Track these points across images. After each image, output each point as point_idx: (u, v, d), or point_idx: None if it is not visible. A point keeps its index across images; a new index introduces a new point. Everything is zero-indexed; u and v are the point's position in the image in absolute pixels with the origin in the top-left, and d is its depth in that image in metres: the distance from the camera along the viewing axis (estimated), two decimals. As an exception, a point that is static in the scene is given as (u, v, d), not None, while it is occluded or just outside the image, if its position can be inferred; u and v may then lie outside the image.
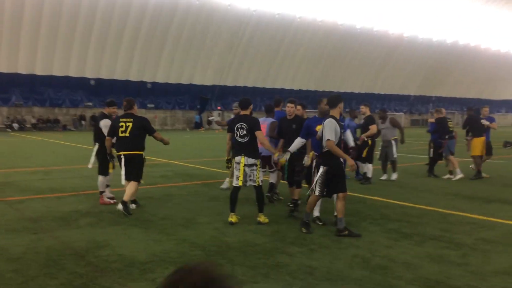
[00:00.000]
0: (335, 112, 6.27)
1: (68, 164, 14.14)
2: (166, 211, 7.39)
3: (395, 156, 11.09)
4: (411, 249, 5.44)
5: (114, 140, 7.46)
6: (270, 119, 8.13)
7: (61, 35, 37.15)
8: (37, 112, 39.31)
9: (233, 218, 6.58)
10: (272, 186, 8.37)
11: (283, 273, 4.62)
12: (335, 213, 6.38)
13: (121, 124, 7.24)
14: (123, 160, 7.18)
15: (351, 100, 56.42)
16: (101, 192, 8.00)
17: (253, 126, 6.54)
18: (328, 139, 5.95)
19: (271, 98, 43.15)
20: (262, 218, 6.66)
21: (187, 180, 10.72)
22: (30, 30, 35.84)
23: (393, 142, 11.11)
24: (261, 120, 7.44)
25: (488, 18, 59.33)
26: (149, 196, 8.59)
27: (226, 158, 8.88)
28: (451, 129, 11.68)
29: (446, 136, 11.46)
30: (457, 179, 11.18)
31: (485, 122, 11.54)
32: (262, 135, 6.68)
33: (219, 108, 48.24)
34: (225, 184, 9.34)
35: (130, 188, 7.15)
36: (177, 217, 6.97)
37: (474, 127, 11.58)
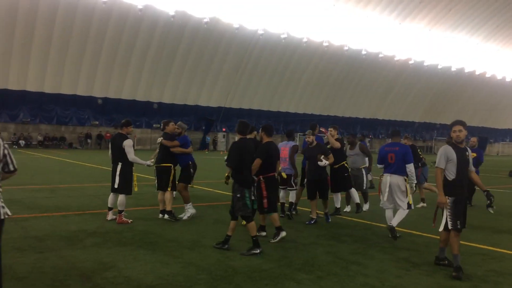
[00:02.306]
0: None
1: (73, 182, 14.14)
2: (172, 233, 7.35)
3: (365, 187, 10.29)
4: (422, 279, 5.35)
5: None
6: (292, 143, 9.12)
7: (70, 54, 37.72)
8: (44, 130, 39.60)
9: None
10: (291, 205, 9.24)
11: (291, 300, 4.54)
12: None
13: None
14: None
15: (356, 125, 56.68)
16: (120, 211, 8.01)
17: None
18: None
19: (276, 121, 43.44)
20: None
21: (192, 202, 10.67)
22: (40, 49, 36.41)
23: (363, 171, 10.26)
24: (283, 144, 9.12)
25: (493, 47, 59.87)
26: (155, 217, 8.55)
27: (226, 174, 8.82)
28: (420, 156, 11.55)
29: (419, 164, 11.22)
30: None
31: None
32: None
33: (224, 130, 48.45)
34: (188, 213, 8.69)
35: (167, 198, 8.45)
36: (183, 239, 6.92)
37: None
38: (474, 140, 11.65)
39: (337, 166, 9.42)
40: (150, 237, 6.98)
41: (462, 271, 5.44)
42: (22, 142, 37.76)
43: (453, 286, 5.13)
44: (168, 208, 8.46)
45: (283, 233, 6.96)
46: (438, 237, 7.64)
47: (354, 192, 9.86)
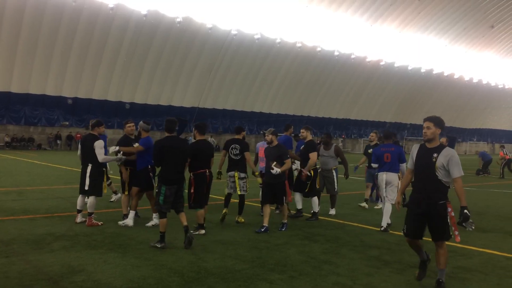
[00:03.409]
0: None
1: (42, 184, 13.77)
2: (143, 234, 7.24)
3: (336, 189, 9.61)
4: (392, 277, 5.44)
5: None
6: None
7: (39, 52, 36.72)
8: (11, 130, 38.46)
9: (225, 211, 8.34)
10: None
11: (264, 301, 4.54)
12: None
13: None
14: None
15: (329, 125, 57.29)
16: (90, 214, 7.83)
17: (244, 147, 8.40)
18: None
19: (250, 122, 43.33)
20: (240, 219, 8.44)
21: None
22: (7, 47, 35.34)
23: (334, 172, 9.58)
24: (260, 143, 9.34)
25: (461, 49, 61.51)
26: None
27: (218, 170, 8.84)
28: None
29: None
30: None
31: None
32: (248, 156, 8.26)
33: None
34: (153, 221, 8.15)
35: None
36: (155, 241, 6.82)
37: None
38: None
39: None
40: (120, 240, 6.85)
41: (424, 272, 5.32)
42: (-12, 143, 36.58)
43: (422, 284, 5.23)
44: (124, 211, 8.22)
45: (202, 231, 7.42)
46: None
47: (314, 200, 9.15)
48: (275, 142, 7.92)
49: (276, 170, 7.58)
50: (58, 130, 40.44)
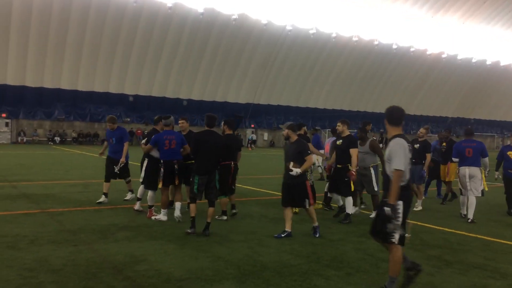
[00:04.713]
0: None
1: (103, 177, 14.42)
2: (201, 227, 7.41)
3: (376, 189, 8.76)
4: (455, 278, 5.23)
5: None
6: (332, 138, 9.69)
7: (102, 52, 38.56)
8: (78, 127, 40.70)
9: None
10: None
11: (320, 296, 4.52)
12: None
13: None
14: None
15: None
16: (150, 206, 8.18)
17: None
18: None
19: (304, 117, 42.96)
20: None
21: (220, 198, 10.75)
22: (73, 49, 37.41)
23: (372, 170, 8.83)
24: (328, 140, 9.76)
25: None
26: (184, 212, 8.64)
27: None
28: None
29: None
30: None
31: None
32: None
33: (252, 126, 48.52)
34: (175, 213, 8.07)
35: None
36: (212, 233, 6.98)
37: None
38: (422, 131, 10.60)
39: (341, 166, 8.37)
40: (180, 232, 7.06)
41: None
42: (57, 138, 38.90)
43: (488, 285, 4.99)
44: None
45: (224, 217, 8.09)
46: (473, 235, 7.48)
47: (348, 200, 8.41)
48: (294, 138, 7.01)
49: (295, 171, 6.77)
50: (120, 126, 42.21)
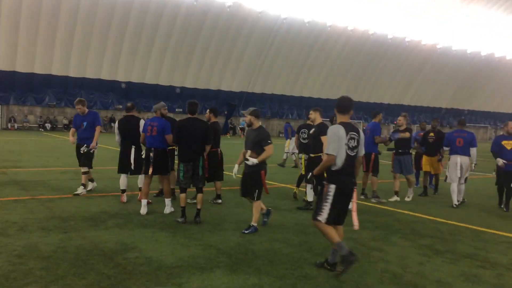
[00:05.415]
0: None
1: (97, 165, 14.25)
2: (193, 216, 7.38)
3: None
4: (445, 267, 5.25)
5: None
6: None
7: (94, 39, 38.14)
8: (69, 113, 40.34)
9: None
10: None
11: (310, 284, 4.52)
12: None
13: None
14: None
15: (380, 111, 55.83)
16: (123, 191, 8.27)
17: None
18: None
19: (298, 106, 42.92)
20: (296, 190, 9.28)
21: (212, 186, 10.71)
22: (65, 34, 36.94)
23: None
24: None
25: (525, 31, 57.73)
26: (176, 201, 8.60)
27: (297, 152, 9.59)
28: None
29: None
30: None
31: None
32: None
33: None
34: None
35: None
36: (204, 222, 6.96)
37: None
38: (401, 119, 10.16)
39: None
40: (171, 220, 7.04)
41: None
42: (48, 125, 38.61)
43: (478, 274, 5.02)
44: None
45: (219, 201, 8.65)
46: (464, 225, 7.52)
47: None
48: (256, 124, 6.55)
49: (252, 160, 6.32)
50: (112, 113, 41.97)
